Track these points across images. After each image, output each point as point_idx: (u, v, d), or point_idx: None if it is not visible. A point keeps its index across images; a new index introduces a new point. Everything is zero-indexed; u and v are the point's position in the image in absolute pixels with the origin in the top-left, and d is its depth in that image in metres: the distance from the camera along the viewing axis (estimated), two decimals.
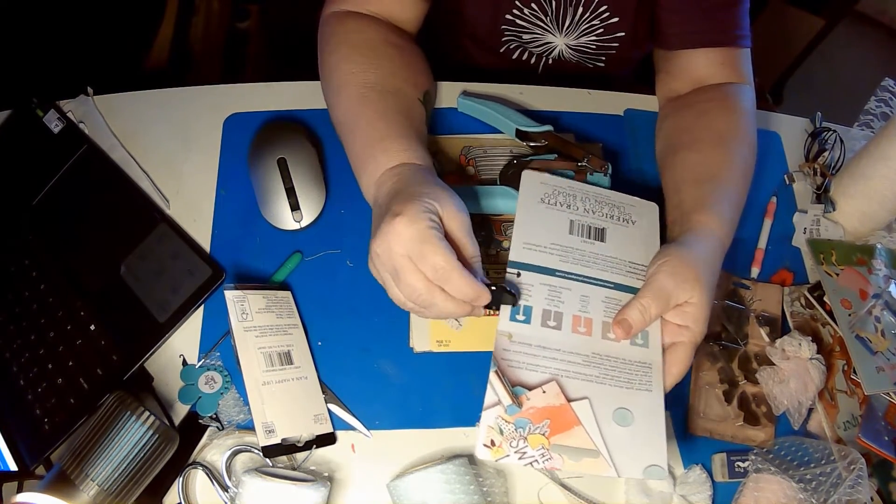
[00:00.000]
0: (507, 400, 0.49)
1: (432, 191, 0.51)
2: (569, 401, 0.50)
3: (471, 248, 0.52)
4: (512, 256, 0.56)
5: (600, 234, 0.60)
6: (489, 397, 0.49)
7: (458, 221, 0.51)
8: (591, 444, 0.49)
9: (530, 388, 0.50)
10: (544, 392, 0.50)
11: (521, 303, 0.54)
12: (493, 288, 0.51)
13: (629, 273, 0.58)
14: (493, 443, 0.48)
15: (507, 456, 0.48)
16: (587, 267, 0.58)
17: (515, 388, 0.50)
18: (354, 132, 0.60)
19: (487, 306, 0.52)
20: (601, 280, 0.57)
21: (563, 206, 0.61)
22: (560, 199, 0.61)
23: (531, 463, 0.48)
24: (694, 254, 0.55)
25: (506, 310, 0.54)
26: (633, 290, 0.56)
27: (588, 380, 0.52)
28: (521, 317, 0.54)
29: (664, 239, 0.62)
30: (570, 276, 0.57)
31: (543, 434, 0.49)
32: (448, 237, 0.51)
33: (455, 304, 0.50)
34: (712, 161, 0.65)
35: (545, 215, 0.60)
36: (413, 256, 0.48)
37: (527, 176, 0.62)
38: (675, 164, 0.67)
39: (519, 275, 0.55)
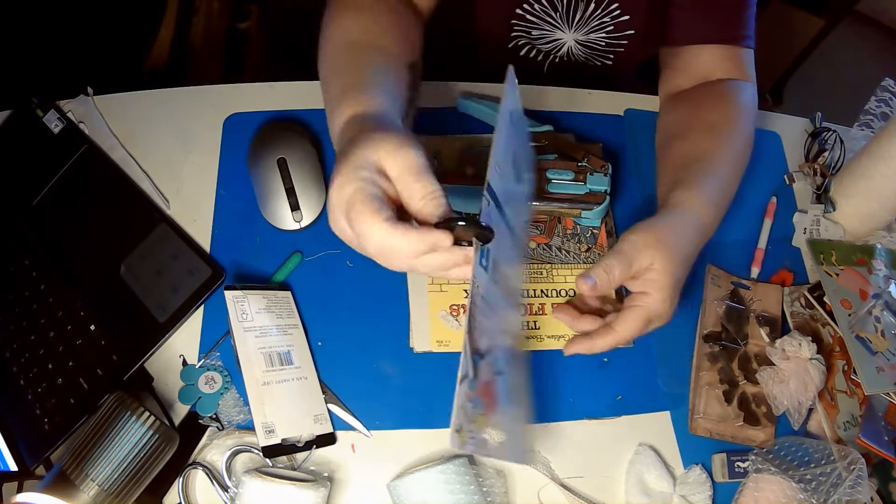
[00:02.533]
0: (471, 373, 0.42)
1: (369, 140, 0.45)
2: (495, 374, 0.45)
3: (420, 188, 0.44)
4: (491, 181, 0.47)
5: (519, 176, 0.56)
6: (461, 368, 0.41)
7: (402, 161, 0.44)
8: (506, 425, 0.45)
9: (482, 357, 0.44)
10: (486, 364, 0.44)
11: (489, 244, 0.45)
12: (462, 222, 0.43)
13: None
14: (459, 431, 0.40)
15: (466, 444, 0.41)
16: (513, 206, 0.52)
17: (474, 357, 0.43)
18: (328, 89, 0.57)
19: (457, 242, 0.44)
20: (518, 223, 0.53)
21: (519, 129, 0.56)
22: (518, 117, 0.56)
23: (475, 449, 0.42)
24: (664, 224, 0.54)
25: (478, 248, 0.44)
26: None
27: (507, 351, 0.48)
28: (483, 262, 0.45)
29: None
30: (505, 214, 0.50)
31: (483, 413, 0.43)
32: (398, 179, 0.45)
33: (410, 260, 0.44)
34: (701, 147, 0.64)
35: (509, 134, 0.52)
36: (341, 215, 0.44)
37: (510, 79, 0.54)
38: (667, 154, 0.67)
39: (489, 204, 0.46)
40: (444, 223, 0.43)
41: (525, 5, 0.74)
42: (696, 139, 0.66)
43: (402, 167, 0.44)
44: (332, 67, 0.58)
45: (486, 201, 0.45)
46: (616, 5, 0.72)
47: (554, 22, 0.75)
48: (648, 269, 0.52)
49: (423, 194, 0.44)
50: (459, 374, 0.41)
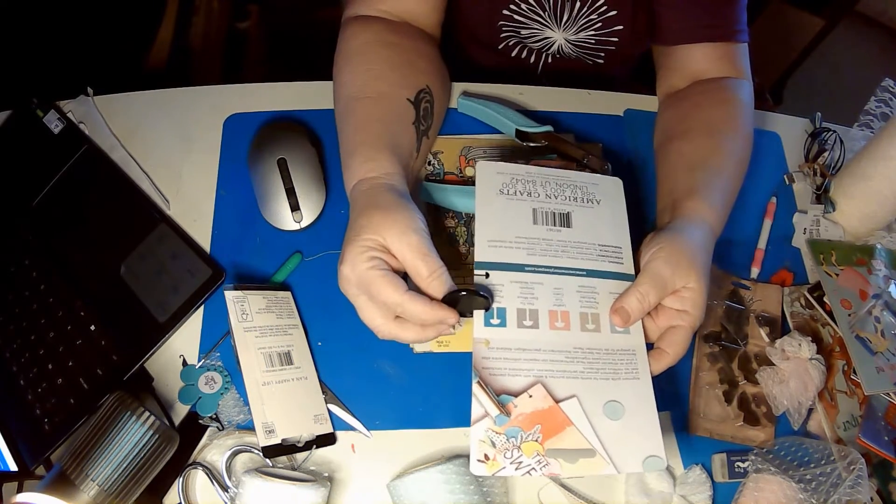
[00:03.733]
0: (494, 411, 0.48)
1: (371, 221, 0.51)
2: (557, 402, 0.49)
3: (425, 267, 0.50)
4: (478, 257, 0.54)
5: (565, 220, 0.57)
6: (475, 410, 0.48)
7: (406, 245, 0.50)
8: (586, 443, 0.48)
9: (516, 395, 0.49)
10: (531, 396, 0.49)
11: (494, 305, 0.52)
12: (463, 293, 0.50)
13: (600, 257, 0.56)
14: (486, 457, 0.47)
15: (503, 468, 0.46)
16: (556, 257, 0.55)
17: (501, 397, 0.49)
18: (344, 132, 0.62)
19: (462, 314, 0.51)
20: (572, 269, 0.55)
21: (523, 194, 0.58)
22: (519, 187, 0.58)
23: (528, 472, 0.47)
24: (687, 240, 0.55)
25: (479, 315, 0.51)
26: (606, 275, 0.55)
27: (573, 377, 0.51)
28: (495, 320, 0.52)
29: (652, 226, 0.61)
30: (540, 269, 0.54)
31: (536, 440, 0.48)
32: (405, 259, 0.51)
33: (418, 331, 0.51)
34: (704, 150, 0.65)
35: (506, 207, 0.57)
36: (366, 296, 0.51)
37: (481, 167, 0.59)
38: (667, 154, 0.67)
39: (487, 275, 0.53)
40: (449, 296, 0.50)
41: (511, 6, 0.74)
42: (698, 141, 0.66)
43: (408, 250, 0.50)
44: (340, 128, 0.63)
45: (478, 276, 0.53)
46: (603, 2, 0.72)
47: (543, 21, 0.76)
48: (684, 288, 0.53)
49: (429, 273, 0.50)
50: (473, 416, 0.48)
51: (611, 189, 0.61)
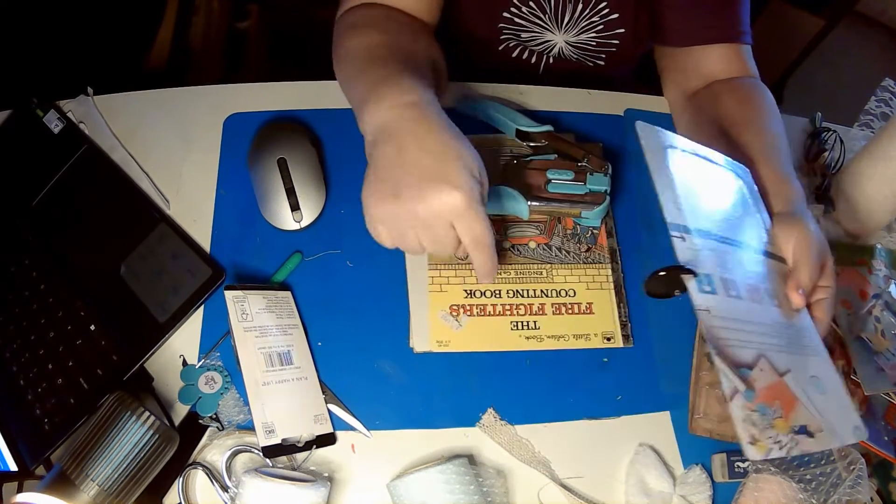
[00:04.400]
0: (741, 386, 0.44)
1: (467, 148, 0.50)
2: (780, 375, 0.47)
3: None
4: (669, 218, 0.49)
5: (730, 195, 0.56)
6: (726, 386, 0.44)
7: (485, 184, 0.51)
8: (815, 417, 0.47)
9: (750, 368, 0.46)
10: (761, 370, 0.46)
11: (700, 271, 0.47)
12: (663, 272, 0.47)
13: (758, 237, 0.55)
14: (755, 443, 0.43)
15: (770, 450, 0.44)
16: (734, 229, 0.53)
17: (741, 370, 0.45)
18: (357, 85, 0.57)
19: (664, 295, 0.48)
20: (746, 243, 0.53)
21: (686, 153, 0.54)
22: (683, 149, 0.54)
23: (787, 451, 0.44)
24: (812, 223, 0.58)
25: (691, 281, 0.47)
26: (767, 254, 0.54)
27: (781, 350, 0.48)
28: (707, 287, 0.47)
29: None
30: (724, 240, 0.52)
31: (780, 417, 0.45)
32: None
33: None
34: (769, 137, 0.65)
35: (681, 168, 0.53)
36: (458, 227, 0.49)
37: (642, 128, 0.53)
38: (744, 144, 0.65)
39: (684, 239, 0.48)
40: (652, 277, 0.48)
41: (512, 8, 0.74)
42: (767, 129, 0.66)
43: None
44: (358, 68, 0.59)
45: (675, 239, 0.48)
46: (605, 4, 0.72)
47: (543, 24, 0.75)
48: (825, 265, 0.56)
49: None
50: (727, 393, 0.44)
51: (743, 174, 0.59)
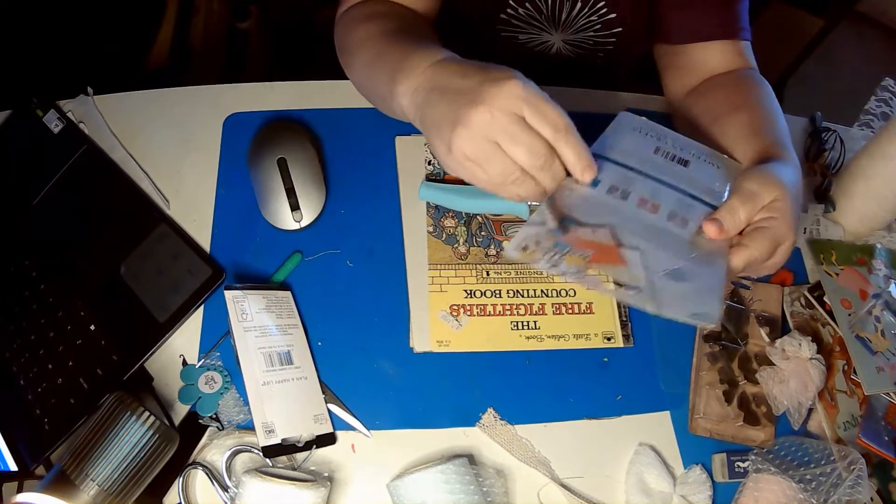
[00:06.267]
0: (552, 223, 0.47)
1: (508, 69, 0.50)
2: (618, 245, 0.48)
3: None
4: (594, 149, 0.53)
5: (683, 162, 0.57)
6: (534, 217, 0.48)
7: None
8: (636, 280, 0.47)
9: (579, 224, 0.48)
10: (594, 231, 0.48)
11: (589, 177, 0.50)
12: None
13: (705, 192, 0.55)
14: (525, 248, 0.46)
15: (539, 261, 0.46)
16: (664, 175, 0.55)
17: (565, 220, 0.48)
18: (380, 62, 0.58)
19: None
20: (677, 186, 0.55)
21: (651, 137, 0.59)
22: (651, 132, 0.59)
23: (564, 274, 0.46)
24: (774, 166, 0.55)
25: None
26: (706, 203, 0.54)
27: (646, 239, 0.50)
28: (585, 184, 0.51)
29: None
30: (646, 175, 0.55)
31: (584, 258, 0.47)
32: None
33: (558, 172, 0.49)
34: (762, 115, 0.64)
35: (632, 138, 0.58)
36: (528, 116, 0.47)
37: (623, 116, 0.60)
38: (723, 128, 0.65)
39: (596, 159, 0.51)
40: None
41: (509, 10, 0.74)
42: (750, 112, 0.65)
43: None
44: (376, 51, 0.59)
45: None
46: (602, 3, 0.72)
47: (540, 24, 0.76)
48: (773, 200, 0.52)
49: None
50: (529, 220, 0.48)
51: (733, 167, 0.59)
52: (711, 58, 0.72)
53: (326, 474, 0.57)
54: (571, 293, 0.67)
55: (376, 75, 0.59)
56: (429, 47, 0.55)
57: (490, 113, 0.47)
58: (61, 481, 0.49)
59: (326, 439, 0.58)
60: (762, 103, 0.66)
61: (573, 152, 0.49)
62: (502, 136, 0.47)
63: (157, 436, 0.52)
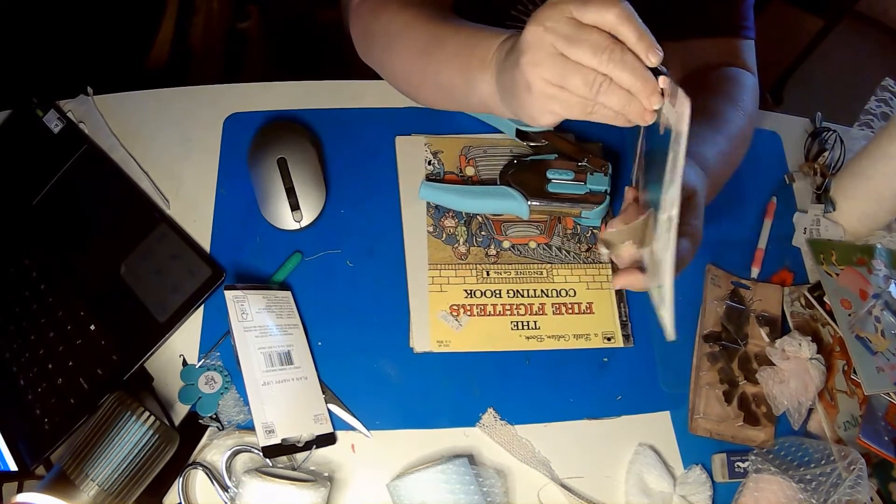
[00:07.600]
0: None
1: None
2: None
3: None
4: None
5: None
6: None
7: None
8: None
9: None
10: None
11: None
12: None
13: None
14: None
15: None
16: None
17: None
18: (444, 41, 0.58)
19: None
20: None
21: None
22: None
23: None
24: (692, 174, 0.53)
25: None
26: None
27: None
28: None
29: None
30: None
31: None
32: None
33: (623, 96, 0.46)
34: (706, 113, 0.62)
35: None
36: (577, 13, 0.45)
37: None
38: None
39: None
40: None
41: (519, 6, 0.73)
42: (701, 107, 0.61)
43: None
44: (432, 34, 0.59)
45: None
46: None
47: None
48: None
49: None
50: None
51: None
52: (705, 55, 0.71)
53: (326, 474, 0.57)
54: (571, 293, 0.67)
55: (438, 64, 0.58)
56: (487, 29, 0.56)
57: (542, 26, 0.45)
58: (61, 481, 0.49)
59: (326, 439, 0.58)
60: (707, 104, 0.63)
61: (633, 33, 0.45)
62: (562, 43, 0.45)
63: (157, 436, 0.52)
